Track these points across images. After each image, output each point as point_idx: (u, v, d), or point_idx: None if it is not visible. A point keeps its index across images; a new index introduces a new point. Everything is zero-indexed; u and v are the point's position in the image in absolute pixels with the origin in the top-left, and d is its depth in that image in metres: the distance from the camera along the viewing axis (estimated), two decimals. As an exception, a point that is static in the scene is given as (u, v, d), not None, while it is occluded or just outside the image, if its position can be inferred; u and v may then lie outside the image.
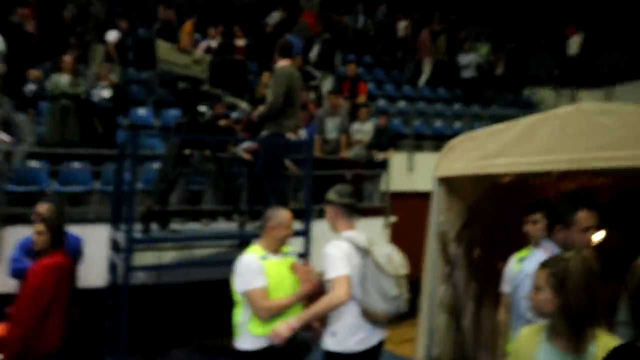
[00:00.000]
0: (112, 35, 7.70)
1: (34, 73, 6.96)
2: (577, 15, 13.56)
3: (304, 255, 4.67)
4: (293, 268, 3.00)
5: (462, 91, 11.24)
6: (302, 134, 6.50)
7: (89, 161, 6.18)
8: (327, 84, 8.86)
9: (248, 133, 6.53)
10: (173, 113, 7.40)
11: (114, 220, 5.22)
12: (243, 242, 5.89)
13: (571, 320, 1.78)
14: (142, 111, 7.40)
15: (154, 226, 4.68)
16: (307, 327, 2.89)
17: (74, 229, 4.31)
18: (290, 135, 4.93)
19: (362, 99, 8.29)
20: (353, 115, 7.64)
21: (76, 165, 6.11)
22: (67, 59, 6.41)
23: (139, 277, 5.51)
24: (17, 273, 3.71)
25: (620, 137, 2.61)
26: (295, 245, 4.97)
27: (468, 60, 10.96)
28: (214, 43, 8.22)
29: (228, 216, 5.64)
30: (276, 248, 2.98)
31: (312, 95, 7.83)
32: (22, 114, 6.21)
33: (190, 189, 5.95)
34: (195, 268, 5.65)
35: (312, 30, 9.93)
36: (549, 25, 14.45)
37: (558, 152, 2.88)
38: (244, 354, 2.87)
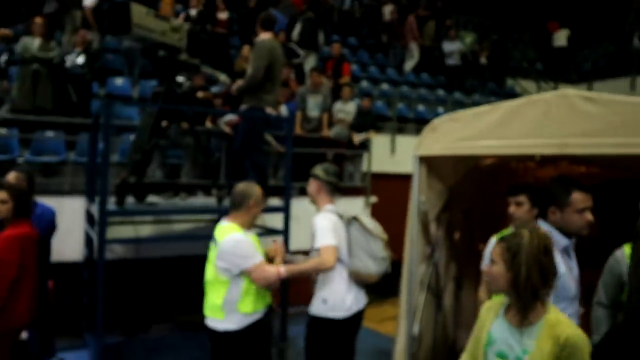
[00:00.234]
0: (89, 0, 7.41)
1: (3, 31, 6.64)
2: (562, 11, 13.70)
3: (284, 232, 4.65)
4: (271, 247, 3.03)
5: (446, 78, 11.28)
6: (283, 110, 6.42)
7: (63, 130, 5.99)
8: (309, 63, 8.74)
9: (227, 107, 6.42)
10: (152, 84, 7.20)
11: (89, 192, 5.10)
12: (222, 217, 5.85)
13: (520, 294, 1.82)
14: (119, 81, 7.18)
15: (131, 199, 4.58)
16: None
17: (48, 201, 4.19)
18: (270, 111, 4.85)
19: (346, 79, 8.21)
20: (336, 94, 7.57)
21: (49, 134, 5.91)
22: (38, 21, 6.13)
23: (117, 252, 5.43)
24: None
25: (603, 125, 2.63)
26: (275, 222, 4.96)
27: (453, 48, 10.98)
28: (193, 12, 7.98)
29: (207, 191, 5.56)
30: (251, 226, 2.94)
31: (292, 75, 7.72)
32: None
33: (168, 163, 5.83)
34: (174, 243, 5.57)
35: (297, 8, 9.77)
36: (533, 19, 14.58)
37: (540, 136, 2.90)
38: (229, 334, 2.78)
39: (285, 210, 4.66)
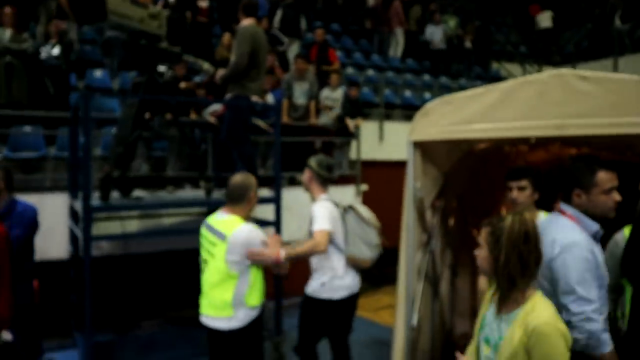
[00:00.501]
0: (65, -11, 7.13)
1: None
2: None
3: (275, 223, 4.56)
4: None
5: (431, 63, 11.22)
6: (269, 98, 6.29)
7: (41, 125, 5.78)
8: (293, 50, 8.59)
9: (211, 97, 6.27)
10: (133, 76, 6.99)
11: (72, 188, 4.95)
12: (211, 210, 5.73)
13: (500, 280, 1.79)
14: (98, 73, 6.96)
15: (116, 194, 4.45)
16: None
17: (29, 198, 4.04)
18: (256, 99, 4.73)
19: (336, 65, 8.07)
20: (322, 81, 7.45)
21: (27, 129, 5.70)
22: (7, 11, 5.85)
23: (104, 248, 5.31)
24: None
25: (599, 104, 2.57)
26: (266, 213, 4.87)
27: (437, 32, 10.90)
28: (172, -2, 7.74)
29: (194, 183, 5.43)
30: (249, 217, 2.92)
31: (276, 63, 7.57)
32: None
33: (153, 156, 5.67)
34: (162, 237, 5.44)
35: (279, -6, 9.58)
36: (515, 3, 14.56)
37: (537, 118, 2.83)
38: (234, 333, 2.73)
39: (276, 200, 4.56)
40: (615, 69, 11.11)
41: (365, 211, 3.24)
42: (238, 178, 2.88)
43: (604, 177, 2.22)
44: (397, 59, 11.06)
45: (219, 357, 2.83)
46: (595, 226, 2.24)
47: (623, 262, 2.44)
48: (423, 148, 3.29)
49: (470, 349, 2.05)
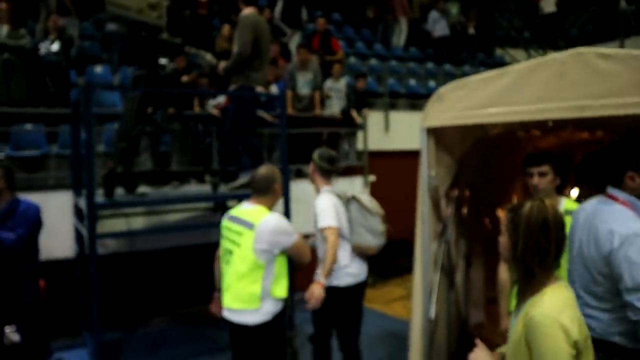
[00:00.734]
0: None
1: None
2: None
3: (284, 216, 4.47)
4: None
5: (434, 51, 11.05)
6: (273, 89, 6.17)
7: (43, 122, 5.69)
8: (294, 41, 8.45)
9: (213, 88, 6.15)
10: (134, 71, 6.88)
11: (76, 185, 4.87)
12: (218, 205, 5.64)
13: (518, 270, 1.70)
14: (98, 69, 6.85)
15: (120, 191, 4.36)
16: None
17: (32, 197, 3.96)
18: (260, 89, 4.61)
19: (340, 55, 7.93)
20: (325, 72, 7.32)
21: (28, 126, 5.61)
22: (3, 6, 5.72)
23: (110, 246, 5.25)
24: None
25: (623, 83, 2.45)
26: (275, 206, 4.78)
27: (440, 19, 10.73)
28: (171, -13, 7.59)
29: (199, 178, 5.33)
30: (272, 209, 2.90)
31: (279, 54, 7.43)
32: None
33: (157, 151, 5.57)
34: (168, 234, 5.36)
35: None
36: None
37: (556, 100, 2.71)
38: (263, 326, 2.70)
39: (285, 193, 4.46)
40: (622, 51, 10.90)
41: (367, 200, 3.29)
42: (263, 170, 2.89)
43: None
44: (400, 48, 10.91)
45: (243, 352, 2.79)
46: None
47: None
48: (436, 135, 3.18)
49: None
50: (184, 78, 5.78)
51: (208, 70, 5.91)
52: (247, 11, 4.54)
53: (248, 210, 2.82)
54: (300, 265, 2.88)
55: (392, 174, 7.22)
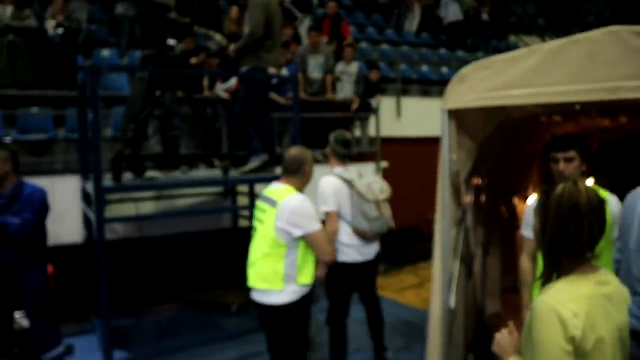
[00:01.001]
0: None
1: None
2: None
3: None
4: None
5: (447, 37, 10.83)
6: (284, 73, 6.03)
7: (49, 106, 5.59)
8: (305, 26, 8.27)
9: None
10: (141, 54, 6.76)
11: (83, 170, 4.78)
12: (228, 190, 5.54)
13: (544, 258, 1.56)
14: (105, 52, 6.73)
15: (129, 176, 4.27)
16: None
17: (40, 181, 3.88)
18: (273, 71, 4.48)
19: (349, 39, 7.75)
20: (337, 56, 7.16)
21: (34, 110, 5.52)
22: None
23: (119, 232, 5.18)
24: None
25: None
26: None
27: (453, 4, 10.50)
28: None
29: (209, 163, 5.23)
30: (302, 190, 2.84)
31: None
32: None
33: (167, 134, 5.47)
34: (177, 219, 5.28)
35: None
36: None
37: (586, 81, 2.56)
38: (287, 307, 2.66)
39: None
40: None
41: (362, 185, 3.34)
42: (294, 151, 2.85)
43: None
44: (412, 34, 10.70)
45: (272, 332, 2.78)
46: None
47: None
48: (458, 117, 3.04)
49: None
50: (193, 60, 5.65)
51: (217, 51, 5.77)
52: (258, -8, 4.39)
53: (275, 189, 2.79)
54: (321, 259, 2.77)
55: (403, 161, 7.09)
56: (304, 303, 2.73)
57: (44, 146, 5.50)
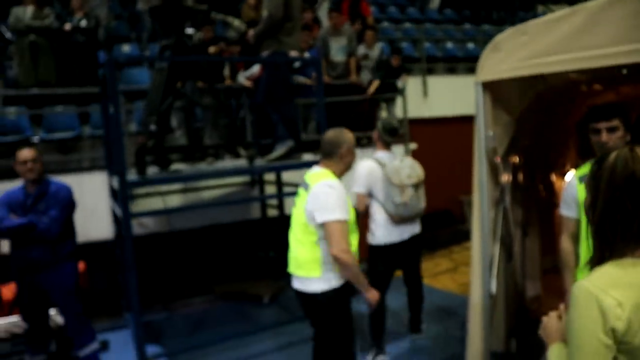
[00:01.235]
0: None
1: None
2: None
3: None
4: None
5: (471, 11, 10.45)
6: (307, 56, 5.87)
7: (74, 104, 5.60)
8: (324, 8, 8.05)
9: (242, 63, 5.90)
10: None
11: (109, 166, 4.77)
12: (255, 179, 5.46)
13: (593, 239, 1.33)
14: (126, 48, 6.72)
15: (155, 170, 4.22)
16: None
17: (67, 179, 3.87)
18: (295, 54, 4.34)
19: (370, 20, 7.51)
20: (359, 36, 6.94)
21: (59, 108, 5.54)
22: None
23: (149, 226, 5.17)
24: (5, 232, 3.29)
25: None
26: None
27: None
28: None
29: (235, 154, 5.15)
30: (342, 174, 2.70)
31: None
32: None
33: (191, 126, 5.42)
34: (207, 212, 5.24)
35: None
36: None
37: (635, 41, 2.33)
38: (325, 295, 2.54)
39: (322, 165, 4.22)
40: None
41: (390, 170, 3.45)
42: (330, 133, 2.72)
43: None
44: (435, 11, 10.36)
45: (315, 320, 2.69)
46: None
47: None
48: (493, 90, 2.84)
49: None
50: (211, 49, 5.55)
51: (237, 38, 5.64)
52: (276, -26, 4.23)
53: (313, 173, 2.69)
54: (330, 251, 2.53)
55: (432, 142, 6.88)
56: (344, 292, 2.59)
57: (71, 144, 5.54)
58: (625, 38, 2.36)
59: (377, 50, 6.74)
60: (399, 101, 6.74)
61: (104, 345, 4.18)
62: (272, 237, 5.64)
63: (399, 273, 4.09)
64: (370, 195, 3.55)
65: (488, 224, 2.80)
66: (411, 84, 7.21)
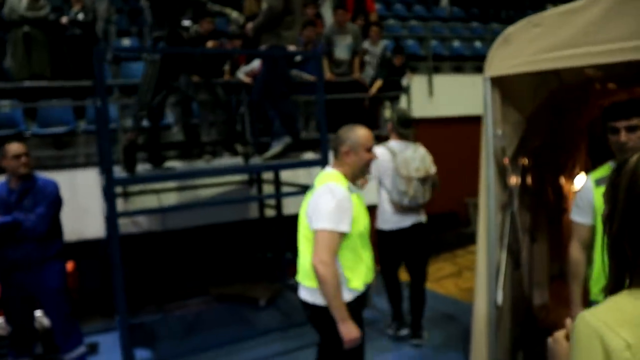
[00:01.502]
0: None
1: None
2: None
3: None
4: None
5: (479, 10, 10.25)
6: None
7: (70, 97, 5.46)
8: (327, 5, 7.86)
9: (242, 58, 5.73)
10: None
11: (101, 162, 4.62)
12: (252, 178, 5.29)
13: (609, 253, 1.11)
14: (126, 42, 6.57)
15: (148, 167, 4.06)
16: None
17: (61, 175, 3.72)
18: (293, 49, 4.18)
19: (374, 17, 7.33)
20: (364, 32, 6.77)
21: (54, 102, 5.39)
22: None
23: (143, 225, 5.00)
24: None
25: None
26: (312, 177, 4.39)
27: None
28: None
29: (233, 152, 4.99)
30: (355, 177, 2.42)
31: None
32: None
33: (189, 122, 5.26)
34: (202, 211, 5.07)
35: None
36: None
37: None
38: (329, 311, 2.25)
39: (323, 164, 4.05)
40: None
41: (400, 160, 3.58)
42: (341, 129, 2.45)
43: None
44: (442, 9, 10.17)
45: (320, 335, 2.42)
46: None
47: None
48: (502, 86, 2.65)
49: None
50: (209, 44, 5.38)
51: (239, 32, 5.48)
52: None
53: (323, 173, 2.48)
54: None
55: (437, 142, 6.65)
56: (355, 307, 2.28)
57: (66, 139, 5.39)
58: (647, 31, 2.17)
59: (380, 47, 6.56)
60: (403, 100, 6.56)
61: (93, 348, 4.03)
62: (270, 238, 5.48)
63: (404, 277, 3.99)
64: (379, 182, 3.73)
65: (495, 230, 2.62)
66: (417, 83, 7.02)
